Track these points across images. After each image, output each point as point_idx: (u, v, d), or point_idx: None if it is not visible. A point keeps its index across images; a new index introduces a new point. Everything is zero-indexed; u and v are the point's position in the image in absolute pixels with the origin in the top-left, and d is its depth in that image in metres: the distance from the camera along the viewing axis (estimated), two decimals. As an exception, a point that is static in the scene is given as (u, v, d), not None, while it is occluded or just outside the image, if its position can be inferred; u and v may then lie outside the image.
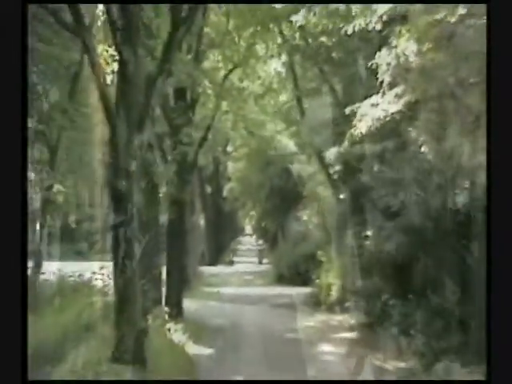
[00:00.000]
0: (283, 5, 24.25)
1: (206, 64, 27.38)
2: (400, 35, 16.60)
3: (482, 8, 14.52)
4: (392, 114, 16.91)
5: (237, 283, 39.30)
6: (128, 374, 13.71)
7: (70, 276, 24.00)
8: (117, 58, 17.11)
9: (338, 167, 26.19)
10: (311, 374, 16.32)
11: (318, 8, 22.04)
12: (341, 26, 21.05)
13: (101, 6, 17.98)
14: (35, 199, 30.28)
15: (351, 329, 22.13)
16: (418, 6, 16.28)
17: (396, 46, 16.59)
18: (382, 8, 17.35)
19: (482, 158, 15.34)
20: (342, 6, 20.92)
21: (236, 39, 26.30)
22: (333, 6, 21.39)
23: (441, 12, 15.48)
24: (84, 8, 16.85)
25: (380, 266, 20.81)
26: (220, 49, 27.73)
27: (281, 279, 38.79)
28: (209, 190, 56.65)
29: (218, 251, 55.83)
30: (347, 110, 19.63)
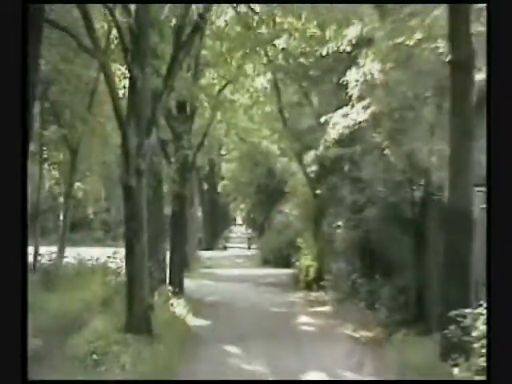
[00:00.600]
0: (268, 31, 24.21)
1: (203, 81, 27.34)
2: (366, 56, 16.71)
3: (437, 31, 14.64)
4: (360, 122, 16.97)
5: (229, 265, 39.27)
6: (136, 342, 13.72)
7: (89, 259, 23.99)
8: (127, 75, 17.14)
9: (314, 168, 26.21)
10: (291, 340, 16.37)
11: (297, 34, 22.10)
12: (316, 48, 21.19)
13: (114, 31, 17.92)
14: (59, 195, 30.31)
15: (325, 303, 22.16)
16: (381, 32, 16.34)
17: (363, 66, 16.68)
18: (351, 33, 17.46)
19: (434, 160, 15.44)
20: (317, 32, 20.89)
21: (228, 60, 26.21)
22: (309, 32, 21.37)
23: (400, 37, 15.56)
24: (100, 33, 16.88)
25: (349, 250, 20.87)
26: (215, 68, 27.70)
27: (266, 262, 38.80)
28: (205, 186, 56.59)
29: (213, 238, 55.76)
30: (322, 120, 19.69)
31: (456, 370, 10.04)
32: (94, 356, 12.12)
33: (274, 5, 21.75)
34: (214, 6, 20.11)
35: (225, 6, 24.27)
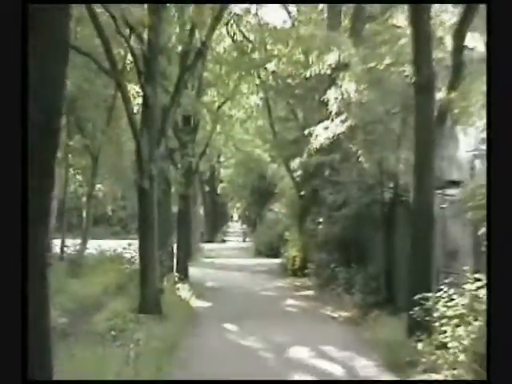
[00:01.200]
0: (260, 56, 24.24)
1: (205, 98, 27.35)
2: (343, 78, 16.74)
3: (404, 57, 14.67)
4: (338, 134, 16.98)
5: (227, 256, 39.16)
6: (148, 321, 13.73)
7: (107, 250, 24.04)
8: (141, 93, 17.17)
9: (299, 172, 26.22)
10: (280, 318, 16.35)
11: (285, 59, 22.19)
12: (301, 71, 21.24)
13: (129, 56, 17.92)
14: (82, 195, 30.28)
15: (309, 288, 22.14)
16: (356, 58, 16.39)
17: (341, 86, 16.72)
18: (331, 59, 17.55)
19: (401, 166, 15.46)
20: (302, 57, 20.97)
21: (226, 80, 26.32)
22: (295, 57, 21.48)
23: (372, 62, 15.65)
24: (117, 58, 16.87)
25: (329, 243, 20.86)
26: (215, 87, 27.77)
27: (259, 253, 38.70)
28: (207, 188, 56.54)
29: (214, 232, 55.66)
30: (306, 132, 19.70)
31: (420, 345, 10.08)
32: (112, 332, 12.10)
33: (266, 34, 21.81)
34: (214, 36, 20.01)
35: (223, 34, 24.37)
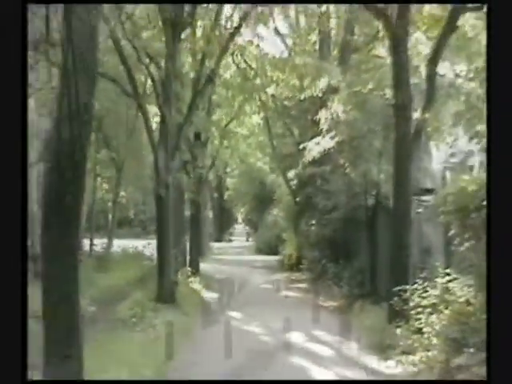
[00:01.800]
0: (261, 81, 24.30)
1: (214, 117, 27.43)
2: (333, 100, 16.79)
3: (385, 82, 14.70)
4: (328, 148, 17.00)
5: (232, 253, 39.19)
6: (165, 309, 13.74)
7: (130, 248, 24.11)
8: (158, 113, 17.23)
9: (295, 181, 26.25)
10: (278, 307, 16.31)
11: (282, 83, 22.28)
12: (296, 94, 21.30)
13: (149, 81, 17.97)
14: (108, 201, 30.35)
15: (303, 282, 22.12)
16: (344, 83, 16.45)
17: (331, 107, 16.75)
18: (322, 83, 17.62)
19: (382, 176, 15.48)
20: (297, 82, 21.04)
21: (232, 102, 26.42)
22: (291, 82, 21.59)
23: (357, 86, 15.71)
24: (138, 82, 16.91)
25: (321, 242, 20.86)
26: (222, 108, 27.87)
27: (260, 251, 38.66)
28: (215, 195, 56.53)
29: (221, 233, 55.61)
30: (301, 147, 19.73)
31: (398, 331, 10.08)
32: (133, 319, 12.12)
33: (266, 63, 21.90)
34: (221, 64, 20.07)
35: (229, 63, 24.45)
